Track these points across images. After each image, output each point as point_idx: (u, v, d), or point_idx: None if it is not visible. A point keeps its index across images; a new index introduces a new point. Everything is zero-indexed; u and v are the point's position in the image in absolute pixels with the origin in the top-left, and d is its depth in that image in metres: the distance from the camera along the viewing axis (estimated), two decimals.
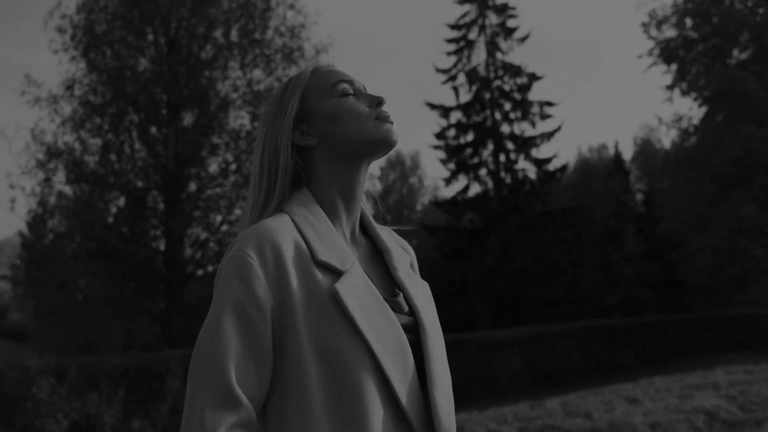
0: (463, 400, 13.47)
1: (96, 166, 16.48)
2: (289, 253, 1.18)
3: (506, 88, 25.13)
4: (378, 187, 41.64)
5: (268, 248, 1.17)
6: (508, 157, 24.77)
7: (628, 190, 31.85)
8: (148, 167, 16.58)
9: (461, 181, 25.13)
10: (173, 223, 16.20)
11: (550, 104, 24.94)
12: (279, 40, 17.19)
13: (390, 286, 1.31)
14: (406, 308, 1.28)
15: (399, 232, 1.50)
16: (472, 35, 25.69)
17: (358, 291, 1.19)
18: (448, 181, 25.28)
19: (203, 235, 17.16)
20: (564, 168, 25.30)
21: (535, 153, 24.87)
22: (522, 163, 25.01)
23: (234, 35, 17.19)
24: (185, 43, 16.94)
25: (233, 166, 16.97)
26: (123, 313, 16.82)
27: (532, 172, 24.80)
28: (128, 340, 19.22)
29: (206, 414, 1.07)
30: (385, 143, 1.30)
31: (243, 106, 17.17)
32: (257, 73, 17.30)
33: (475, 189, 25.08)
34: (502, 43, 25.56)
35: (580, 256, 26.95)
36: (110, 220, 17.05)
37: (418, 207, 41.23)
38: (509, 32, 25.47)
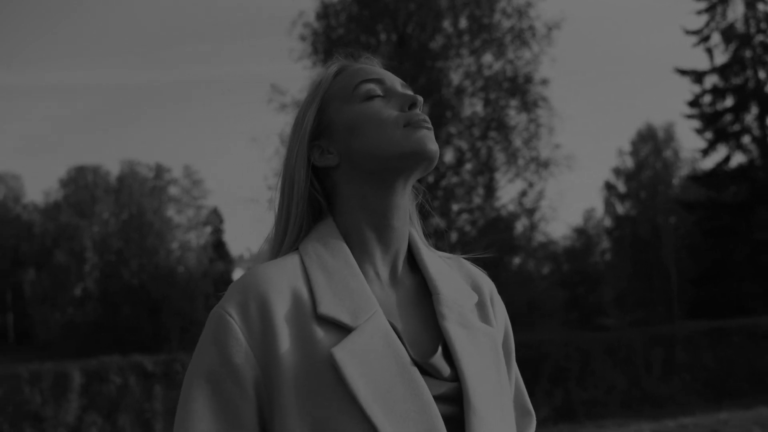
0: (726, 396, 12.18)
1: None
2: (281, 308, 0.93)
3: None
4: (629, 164, 39.32)
5: (252, 303, 0.92)
6: None
7: None
8: None
9: (720, 152, 23.54)
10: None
11: None
12: (507, 22, 16.96)
13: (436, 341, 1.00)
14: (446, 372, 0.96)
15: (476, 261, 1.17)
16: None
17: (368, 353, 0.90)
18: (705, 152, 23.78)
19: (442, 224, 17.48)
20: None
21: None
22: None
23: (462, 23, 17.21)
24: (415, 36, 17.25)
25: (468, 154, 17.08)
26: None
27: None
28: None
29: None
30: (418, 156, 0.99)
31: (476, 92, 17.29)
32: (487, 58, 17.23)
33: (737, 159, 23.39)
34: None
35: None
36: None
37: (675, 182, 38.25)
38: None
